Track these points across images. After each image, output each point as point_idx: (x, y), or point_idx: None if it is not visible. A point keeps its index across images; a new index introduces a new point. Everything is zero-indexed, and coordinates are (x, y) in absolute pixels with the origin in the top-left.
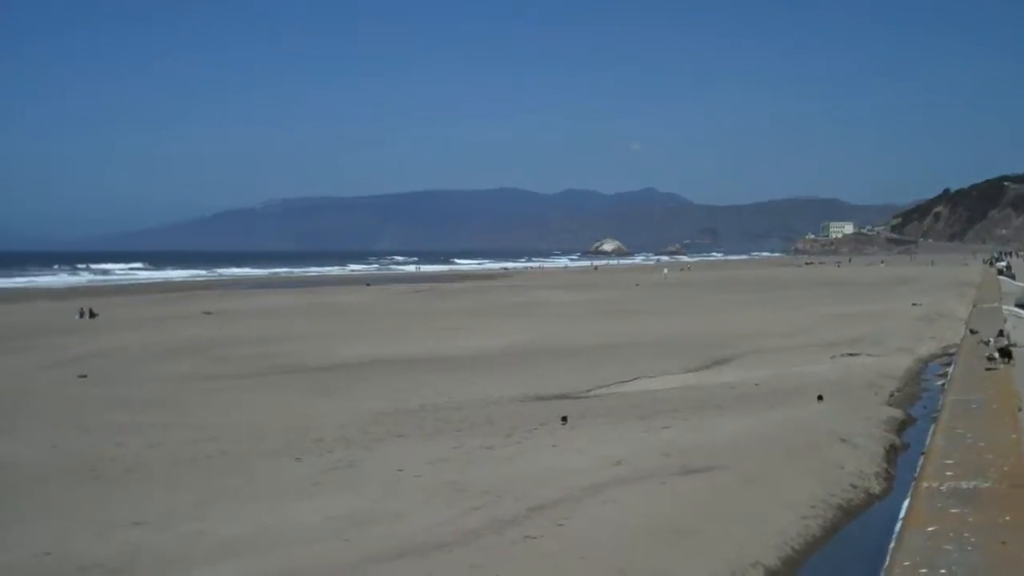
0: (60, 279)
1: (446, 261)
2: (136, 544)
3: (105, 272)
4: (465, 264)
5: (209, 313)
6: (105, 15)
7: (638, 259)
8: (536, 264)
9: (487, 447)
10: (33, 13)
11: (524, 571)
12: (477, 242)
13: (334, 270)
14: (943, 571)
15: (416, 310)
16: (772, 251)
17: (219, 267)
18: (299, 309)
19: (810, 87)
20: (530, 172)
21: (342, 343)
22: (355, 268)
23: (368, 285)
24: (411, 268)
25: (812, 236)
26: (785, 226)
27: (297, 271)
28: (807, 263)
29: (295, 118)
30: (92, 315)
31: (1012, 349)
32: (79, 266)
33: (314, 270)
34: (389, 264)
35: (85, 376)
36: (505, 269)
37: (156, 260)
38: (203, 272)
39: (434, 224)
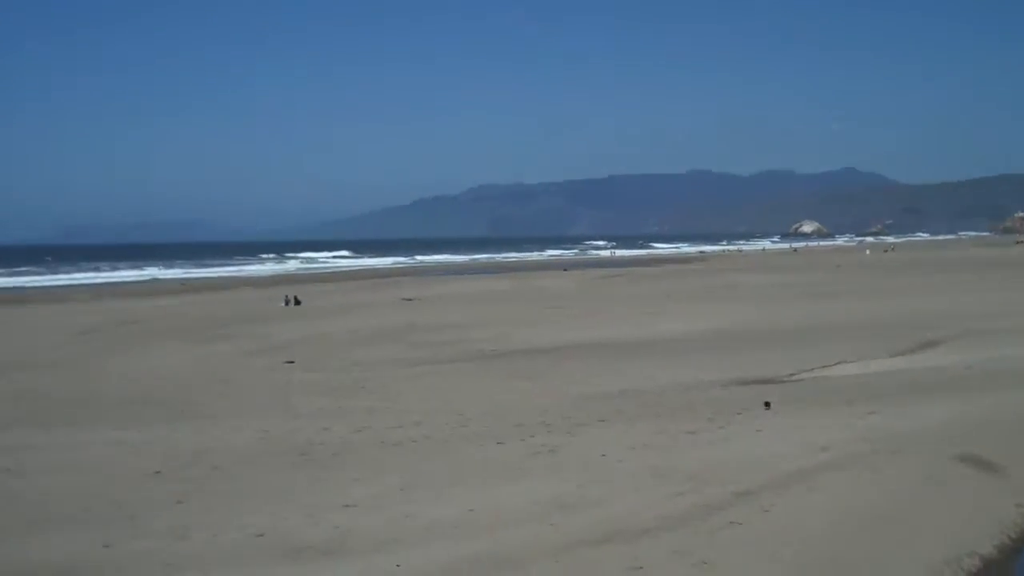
0: (267, 267)
1: (643, 245)
2: (346, 526)
3: (310, 260)
4: (661, 248)
5: (409, 299)
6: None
7: (839, 241)
8: (734, 247)
9: (690, 432)
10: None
11: (730, 557)
12: (672, 226)
13: (532, 255)
14: None
15: (614, 294)
16: (979, 231)
17: (419, 254)
18: (498, 294)
19: (1016, 56)
20: (725, 154)
21: (540, 328)
22: (553, 253)
23: (565, 270)
24: (607, 253)
25: (1022, 214)
26: (994, 204)
27: (496, 257)
28: (1018, 242)
29: (489, 105)
30: (297, 302)
31: None
32: (287, 255)
33: (512, 255)
34: (587, 249)
35: (292, 362)
36: (702, 252)
37: (359, 248)
38: (403, 259)
39: (629, 208)
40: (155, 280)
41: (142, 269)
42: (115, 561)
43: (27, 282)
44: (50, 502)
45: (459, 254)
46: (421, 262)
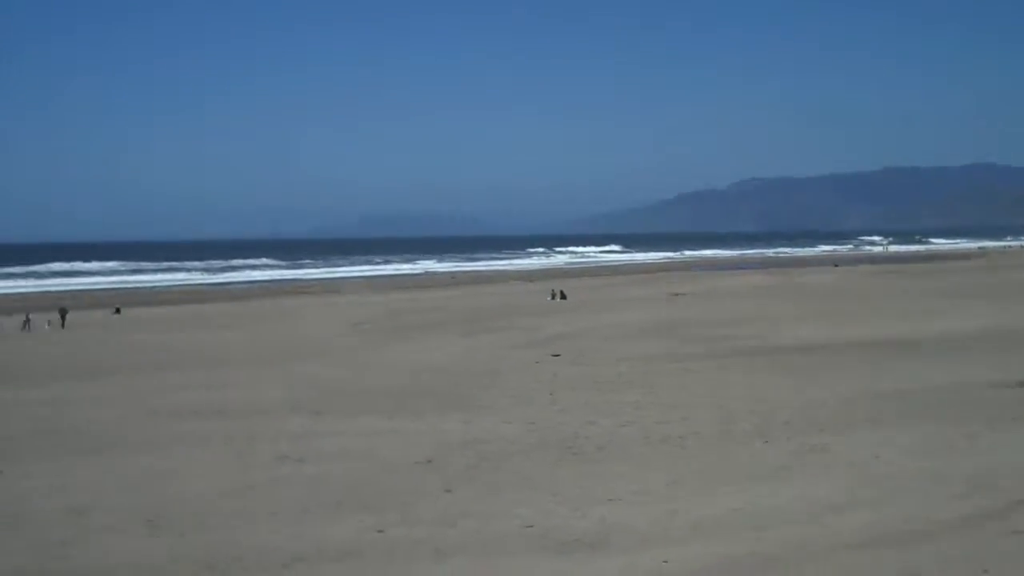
0: (535, 261)
1: (919, 241)
2: (611, 521)
3: (578, 254)
4: (939, 243)
5: (676, 294)
6: None
7: None
8: (1017, 243)
9: (967, 435)
10: None
11: (1012, 566)
12: (950, 220)
13: (801, 251)
14: None
15: (886, 291)
16: None
17: (687, 248)
18: (765, 290)
19: None
20: (1007, 145)
21: (808, 324)
22: (824, 248)
23: (836, 266)
24: (880, 248)
25: None
26: None
27: (765, 252)
28: None
29: (752, 98)
30: (563, 296)
31: None
32: (556, 249)
33: (783, 251)
34: (860, 244)
35: (558, 355)
36: (982, 248)
37: (628, 242)
38: (671, 254)
39: (903, 202)
40: (427, 273)
41: (414, 263)
42: (388, 546)
43: (306, 274)
44: (327, 487)
45: (727, 249)
46: (689, 257)
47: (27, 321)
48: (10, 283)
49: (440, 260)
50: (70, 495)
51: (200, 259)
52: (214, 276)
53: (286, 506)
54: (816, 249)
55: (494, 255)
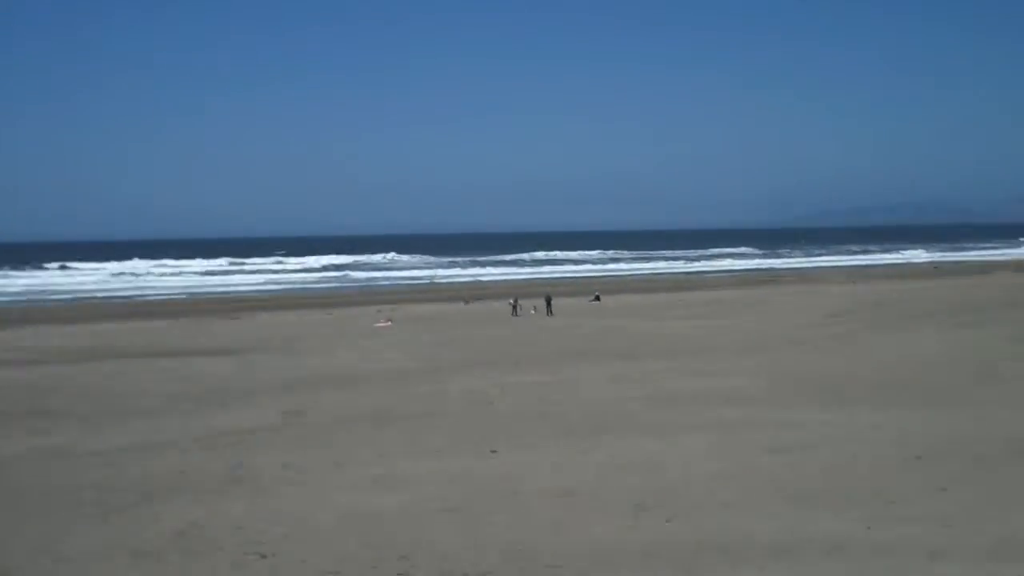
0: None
1: None
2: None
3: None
4: None
5: None
6: None
7: None
8: None
9: None
10: None
11: None
12: None
13: None
14: None
15: None
16: None
17: None
18: None
19: None
20: None
21: None
22: None
23: None
24: None
25: None
26: None
27: None
28: None
29: None
30: None
31: None
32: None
33: None
34: None
35: None
36: None
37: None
38: None
39: None
40: (907, 263)
41: (897, 252)
42: (876, 543)
43: (783, 263)
44: (812, 478)
45: None
46: None
47: (515, 306)
48: (498, 271)
49: (928, 249)
50: (560, 476)
51: (672, 248)
52: (690, 265)
53: (772, 496)
54: None
55: (982, 244)
